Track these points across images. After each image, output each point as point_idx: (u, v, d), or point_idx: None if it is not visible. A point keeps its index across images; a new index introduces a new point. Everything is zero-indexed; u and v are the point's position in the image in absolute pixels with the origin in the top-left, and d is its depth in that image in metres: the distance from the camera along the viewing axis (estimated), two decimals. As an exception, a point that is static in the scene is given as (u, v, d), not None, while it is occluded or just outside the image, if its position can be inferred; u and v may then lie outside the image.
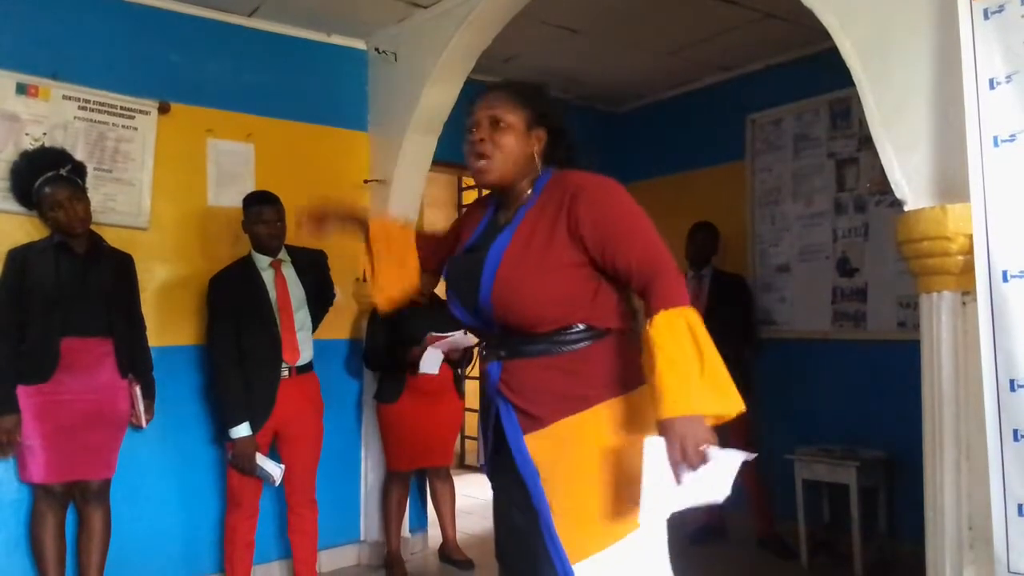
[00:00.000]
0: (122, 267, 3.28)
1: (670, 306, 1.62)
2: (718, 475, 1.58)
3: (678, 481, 1.56)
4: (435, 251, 2.09)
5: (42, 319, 3.01)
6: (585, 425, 1.71)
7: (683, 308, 1.62)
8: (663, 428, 1.57)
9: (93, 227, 3.21)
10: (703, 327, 1.61)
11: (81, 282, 3.08)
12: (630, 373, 1.73)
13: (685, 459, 1.54)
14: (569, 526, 1.68)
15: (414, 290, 2.07)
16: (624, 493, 1.68)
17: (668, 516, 1.67)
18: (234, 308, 3.39)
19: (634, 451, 1.63)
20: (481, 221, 1.95)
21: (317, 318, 3.63)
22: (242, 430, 3.30)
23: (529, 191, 1.84)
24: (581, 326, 1.73)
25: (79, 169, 3.22)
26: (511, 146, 1.80)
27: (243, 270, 3.47)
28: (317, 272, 3.65)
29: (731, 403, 1.58)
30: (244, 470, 3.33)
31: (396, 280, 2.03)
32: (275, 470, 3.36)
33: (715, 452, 1.55)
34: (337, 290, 3.85)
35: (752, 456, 1.59)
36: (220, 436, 3.54)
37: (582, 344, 1.73)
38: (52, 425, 2.99)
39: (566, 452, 1.70)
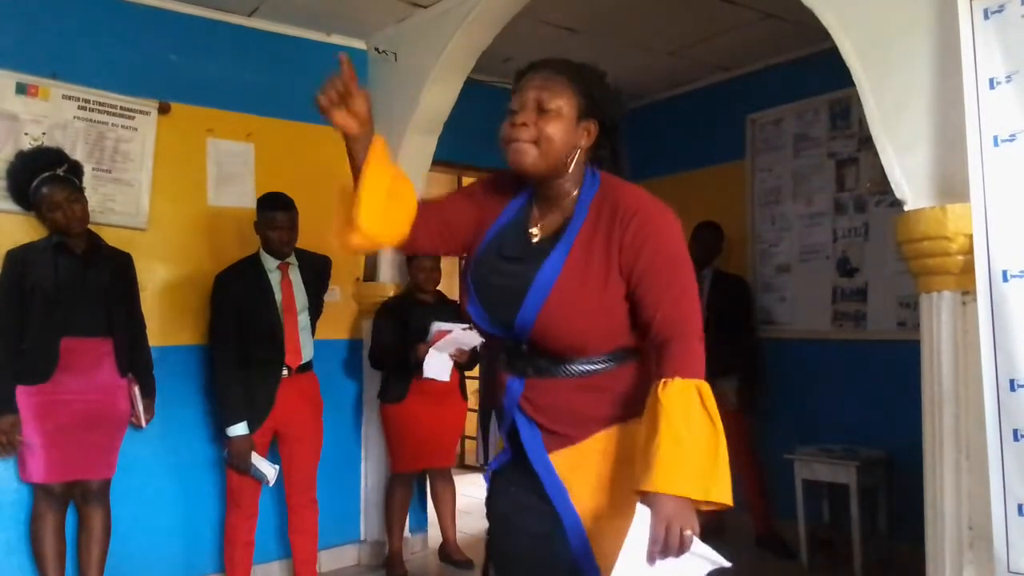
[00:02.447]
0: (121, 267, 3.27)
1: (688, 376, 1.50)
2: (685, 571, 1.48)
3: (651, 561, 1.44)
4: (434, 228, 1.75)
5: (42, 319, 3.01)
6: (615, 440, 1.62)
7: (700, 382, 1.50)
8: (652, 500, 1.44)
9: (92, 227, 3.21)
10: (716, 405, 1.51)
11: (81, 282, 3.08)
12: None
13: (668, 541, 1.43)
14: (603, 542, 1.58)
15: (397, 239, 1.71)
16: None
17: None
18: (238, 307, 3.40)
19: None
20: (508, 208, 1.74)
21: (313, 323, 3.62)
22: (239, 429, 3.30)
23: (574, 194, 1.66)
24: (614, 349, 1.63)
25: (76, 169, 3.22)
26: (556, 136, 1.59)
27: (250, 270, 3.47)
28: (321, 278, 3.66)
29: (728, 495, 1.46)
30: (240, 469, 3.33)
31: (382, 211, 1.63)
32: (269, 470, 3.36)
33: (698, 546, 1.45)
34: (337, 289, 3.85)
35: (727, 565, 1.49)
36: (218, 434, 3.54)
37: (613, 364, 1.63)
38: (52, 425, 2.99)
39: (598, 467, 1.62)
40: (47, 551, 3.06)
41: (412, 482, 4.07)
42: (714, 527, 4.50)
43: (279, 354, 3.40)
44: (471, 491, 5.22)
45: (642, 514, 1.45)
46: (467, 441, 6.57)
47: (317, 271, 3.62)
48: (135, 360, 3.24)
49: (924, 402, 2.18)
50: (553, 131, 1.59)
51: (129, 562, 3.43)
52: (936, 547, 2.13)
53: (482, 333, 1.74)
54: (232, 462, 3.34)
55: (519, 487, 1.70)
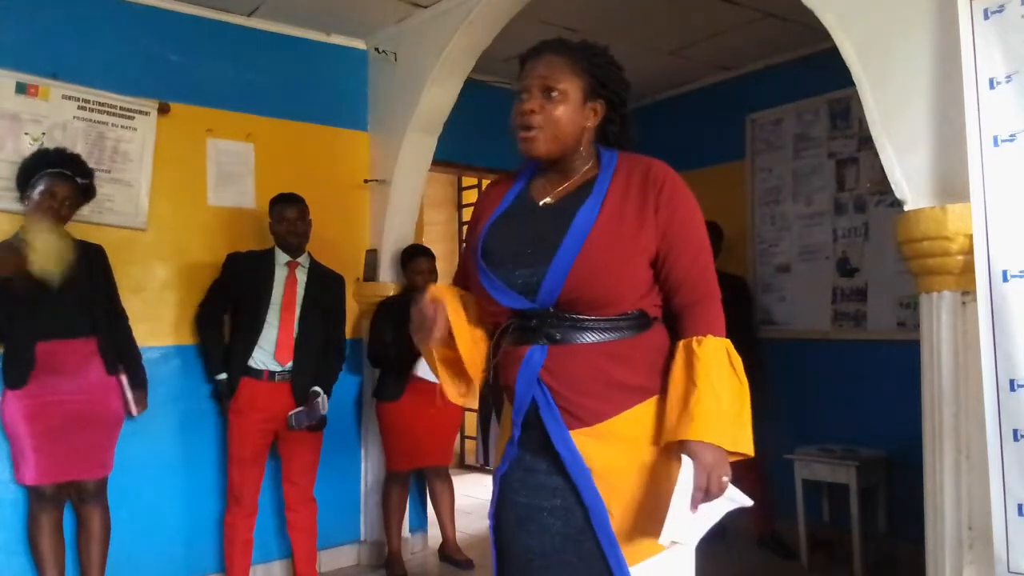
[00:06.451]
0: (94, 260, 3.17)
1: (719, 334, 1.61)
2: (710, 516, 1.57)
3: (694, 508, 1.52)
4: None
5: (20, 322, 2.94)
6: (642, 421, 1.60)
7: (727, 341, 1.61)
8: (694, 449, 1.51)
9: (90, 227, 3.20)
10: (740, 362, 1.61)
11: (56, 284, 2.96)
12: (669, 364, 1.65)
13: (710, 487, 1.51)
14: (628, 528, 1.57)
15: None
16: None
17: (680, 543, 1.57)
18: (236, 286, 3.51)
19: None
20: (510, 191, 1.76)
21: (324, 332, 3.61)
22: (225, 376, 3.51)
23: (588, 165, 1.70)
24: (636, 312, 1.62)
25: (85, 173, 3.14)
26: (563, 118, 1.62)
27: (261, 258, 3.55)
28: (333, 295, 3.67)
29: (750, 447, 1.57)
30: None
31: (478, 362, 1.74)
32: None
33: (731, 490, 1.55)
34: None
35: (750, 503, 1.59)
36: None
37: (634, 332, 1.62)
38: (43, 427, 2.96)
39: (625, 450, 1.59)
40: (45, 552, 3.05)
41: (409, 480, 4.08)
42: (715, 528, 4.51)
43: (251, 345, 3.42)
44: (471, 491, 5.23)
45: (687, 466, 1.51)
46: (467, 441, 6.58)
47: (328, 286, 3.63)
48: (122, 354, 3.20)
49: (924, 402, 2.18)
50: (560, 114, 1.63)
51: (130, 562, 3.42)
52: (936, 547, 2.12)
53: (491, 309, 1.69)
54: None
55: (536, 485, 1.64)
